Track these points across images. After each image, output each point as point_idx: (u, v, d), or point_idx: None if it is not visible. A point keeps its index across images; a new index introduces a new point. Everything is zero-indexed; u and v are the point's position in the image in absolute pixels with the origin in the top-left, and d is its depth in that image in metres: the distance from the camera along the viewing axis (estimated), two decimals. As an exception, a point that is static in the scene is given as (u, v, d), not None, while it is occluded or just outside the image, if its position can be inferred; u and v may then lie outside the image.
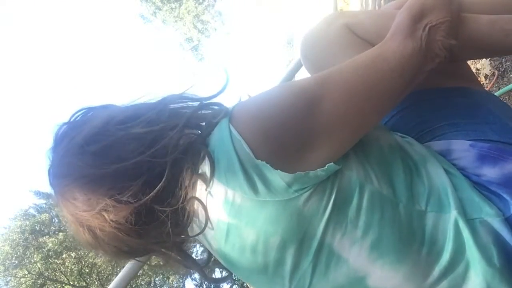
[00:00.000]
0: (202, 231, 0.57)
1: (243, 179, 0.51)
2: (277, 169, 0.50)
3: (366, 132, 0.58)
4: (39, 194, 9.97)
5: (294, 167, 0.51)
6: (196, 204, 0.56)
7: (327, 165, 0.52)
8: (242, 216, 0.52)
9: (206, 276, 0.67)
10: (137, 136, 0.57)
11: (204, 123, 0.60)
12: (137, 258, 0.67)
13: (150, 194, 0.54)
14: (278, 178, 0.50)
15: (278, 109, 0.53)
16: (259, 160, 0.51)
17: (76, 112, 0.64)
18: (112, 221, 0.55)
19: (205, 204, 0.56)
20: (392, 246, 0.52)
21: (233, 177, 0.51)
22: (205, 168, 0.55)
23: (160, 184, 0.54)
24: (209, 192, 0.55)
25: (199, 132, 0.60)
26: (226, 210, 0.53)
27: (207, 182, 0.54)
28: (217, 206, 0.54)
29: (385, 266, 0.52)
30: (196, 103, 0.62)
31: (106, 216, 0.55)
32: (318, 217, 0.51)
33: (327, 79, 0.55)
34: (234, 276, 0.66)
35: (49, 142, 0.62)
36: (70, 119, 0.63)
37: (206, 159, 0.54)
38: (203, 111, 0.62)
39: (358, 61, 0.56)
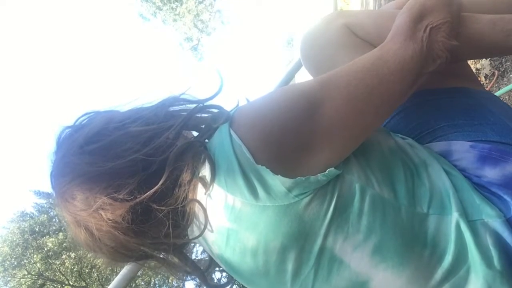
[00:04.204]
0: (201, 234, 0.57)
1: (243, 184, 0.50)
2: (277, 174, 0.50)
3: (367, 136, 0.58)
4: (39, 193, 9.98)
5: (295, 172, 0.51)
6: (197, 207, 0.56)
7: (328, 170, 0.51)
8: (242, 221, 0.52)
9: (207, 282, 0.66)
10: (133, 134, 0.57)
11: (203, 126, 0.60)
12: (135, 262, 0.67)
13: (147, 193, 0.54)
14: (278, 183, 0.50)
15: (278, 114, 0.53)
16: (259, 165, 0.50)
17: (81, 116, 0.64)
18: (109, 220, 0.55)
19: (205, 207, 0.55)
20: (394, 250, 0.51)
21: (233, 182, 0.51)
22: (206, 171, 0.54)
23: (160, 183, 0.54)
24: (209, 196, 0.54)
25: (198, 134, 0.60)
26: (226, 215, 0.53)
27: (207, 186, 0.54)
28: (217, 210, 0.54)
29: (388, 269, 0.51)
30: (193, 105, 0.62)
31: (103, 215, 0.55)
32: (319, 222, 0.51)
33: (327, 83, 0.54)
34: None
35: (50, 143, 0.63)
36: (74, 122, 0.63)
37: (207, 163, 0.54)
38: (202, 114, 0.62)
39: (358, 64, 0.56)
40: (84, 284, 9.34)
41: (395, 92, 0.55)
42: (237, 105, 0.64)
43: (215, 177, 0.53)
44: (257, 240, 0.52)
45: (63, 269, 9.33)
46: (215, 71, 0.64)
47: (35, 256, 9.33)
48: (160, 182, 0.54)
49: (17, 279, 9.28)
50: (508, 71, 1.91)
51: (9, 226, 9.81)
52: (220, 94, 0.64)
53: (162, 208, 0.55)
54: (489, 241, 0.51)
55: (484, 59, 1.99)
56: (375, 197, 0.53)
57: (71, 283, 9.39)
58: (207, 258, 0.68)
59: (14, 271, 9.34)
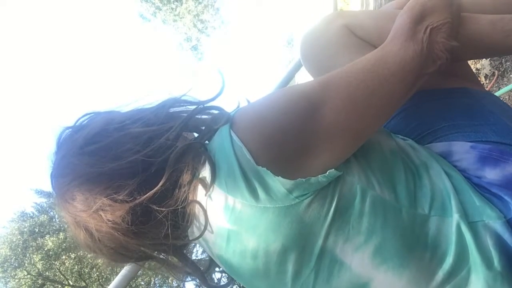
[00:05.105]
0: (201, 235, 0.57)
1: (244, 185, 0.50)
2: (277, 175, 0.50)
3: (368, 137, 0.58)
4: (40, 192, 9.97)
5: (295, 173, 0.51)
6: (197, 209, 0.56)
7: (328, 171, 0.51)
8: (242, 222, 0.52)
9: (207, 282, 0.66)
10: (133, 135, 0.57)
11: (204, 128, 0.60)
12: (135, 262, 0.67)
13: (147, 194, 0.54)
14: (278, 184, 0.50)
15: (279, 115, 0.52)
16: (260, 166, 0.50)
17: (81, 117, 0.64)
18: (109, 221, 0.55)
19: (205, 208, 0.55)
20: (395, 251, 0.51)
21: (234, 183, 0.51)
22: (206, 173, 0.54)
23: (159, 184, 0.54)
24: (209, 198, 0.54)
25: (198, 135, 0.60)
26: (226, 216, 0.53)
27: (207, 187, 0.54)
28: (217, 212, 0.54)
29: (389, 271, 0.51)
30: (194, 107, 0.62)
31: (103, 216, 0.55)
32: (319, 224, 0.51)
33: (328, 84, 0.54)
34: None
35: (51, 143, 0.63)
36: (75, 123, 0.63)
37: (207, 164, 0.54)
38: (202, 115, 0.62)
39: (359, 65, 0.56)
40: (84, 284, 9.34)
41: (395, 93, 0.55)
42: (238, 106, 0.64)
43: (215, 178, 0.53)
44: (257, 241, 0.52)
45: (63, 269, 9.33)
46: (217, 72, 0.64)
47: (35, 256, 9.33)
48: (160, 183, 0.54)
49: (17, 280, 9.27)
50: (508, 71, 1.91)
51: (9, 226, 9.81)
52: (220, 95, 0.64)
53: (162, 209, 0.55)
54: (489, 243, 0.51)
55: (484, 59, 1.99)
56: (375, 198, 0.52)
57: (71, 283, 9.39)
58: (207, 259, 0.68)
59: (14, 272, 9.33)
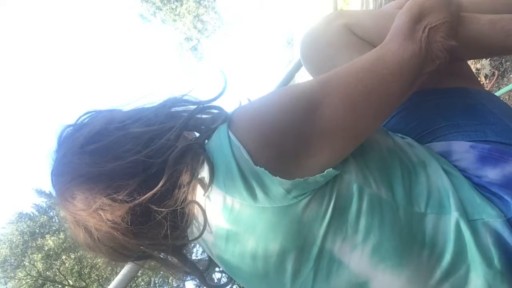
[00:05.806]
0: (200, 235, 0.57)
1: (242, 185, 0.50)
2: (276, 176, 0.50)
3: (366, 136, 0.58)
4: (40, 192, 9.96)
5: (293, 173, 0.51)
6: (196, 209, 0.56)
7: (326, 170, 0.51)
8: (241, 222, 0.52)
9: (206, 282, 0.66)
10: (134, 135, 0.57)
11: (203, 127, 0.60)
12: (134, 262, 0.67)
13: (147, 195, 0.54)
14: (277, 184, 0.50)
15: (277, 115, 0.52)
16: (258, 167, 0.50)
17: (82, 115, 0.64)
18: (109, 220, 0.55)
19: (204, 209, 0.55)
20: (393, 250, 0.51)
21: (232, 184, 0.51)
22: (204, 173, 0.54)
23: (159, 185, 0.54)
24: (208, 198, 0.54)
25: (198, 135, 0.60)
26: (225, 216, 0.53)
27: (205, 187, 0.54)
28: (216, 212, 0.54)
29: (387, 270, 0.51)
30: (194, 106, 0.62)
31: (103, 215, 0.55)
32: (317, 223, 0.51)
33: (327, 83, 0.54)
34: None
35: (51, 143, 0.63)
36: (76, 121, 0.63)
37: (205, 164, 0.54)
38: (202, 115, 0.62)
39: (358, 65, 0.55)
40: (84, 284, 9.34)
41: (394, 93, 0.55)
42: (240, 105, 0.64)
43: (214, 179, 0.53)
44: (256, 241, 0.52)
45: (63, 269, 9.34)
46: (219, 72, 0.64)
47: (35, 256, 9.34)
48: (160, 184, 0.54)
49: (17, 280, 9.28)
50: (508, 71, 1.92)
51: (8, 227, 9.81)
52: (222, 95, 0.64)
53: (161, 209, 0.55)
54: (489, 241, 0.51)
55: (484, 59, 1.99)
56: (373, 197, 0.52)
57: (71, 283, 9.40)
58: (206, 259, 0.68)
59: (14, 272, 9.33)
